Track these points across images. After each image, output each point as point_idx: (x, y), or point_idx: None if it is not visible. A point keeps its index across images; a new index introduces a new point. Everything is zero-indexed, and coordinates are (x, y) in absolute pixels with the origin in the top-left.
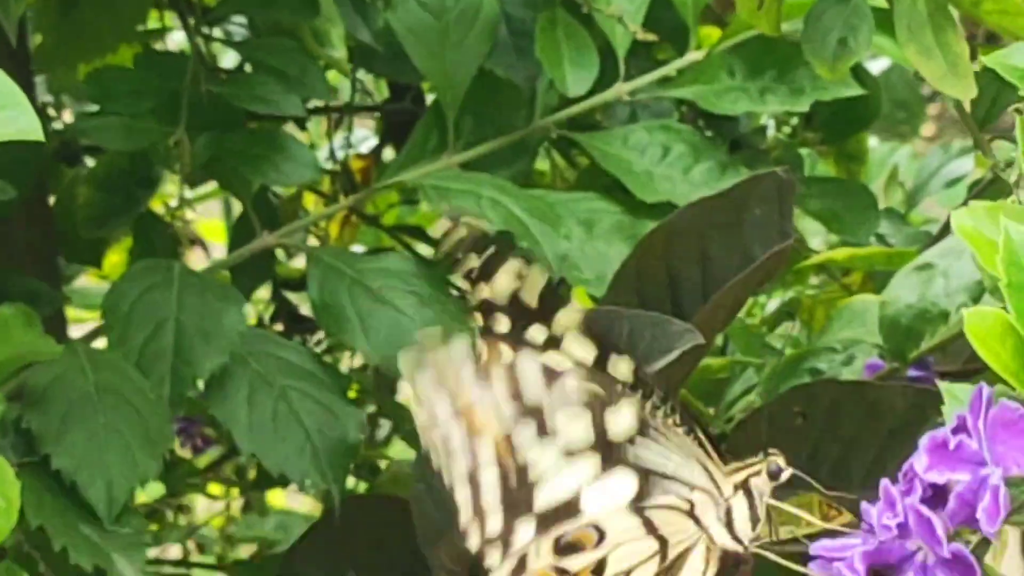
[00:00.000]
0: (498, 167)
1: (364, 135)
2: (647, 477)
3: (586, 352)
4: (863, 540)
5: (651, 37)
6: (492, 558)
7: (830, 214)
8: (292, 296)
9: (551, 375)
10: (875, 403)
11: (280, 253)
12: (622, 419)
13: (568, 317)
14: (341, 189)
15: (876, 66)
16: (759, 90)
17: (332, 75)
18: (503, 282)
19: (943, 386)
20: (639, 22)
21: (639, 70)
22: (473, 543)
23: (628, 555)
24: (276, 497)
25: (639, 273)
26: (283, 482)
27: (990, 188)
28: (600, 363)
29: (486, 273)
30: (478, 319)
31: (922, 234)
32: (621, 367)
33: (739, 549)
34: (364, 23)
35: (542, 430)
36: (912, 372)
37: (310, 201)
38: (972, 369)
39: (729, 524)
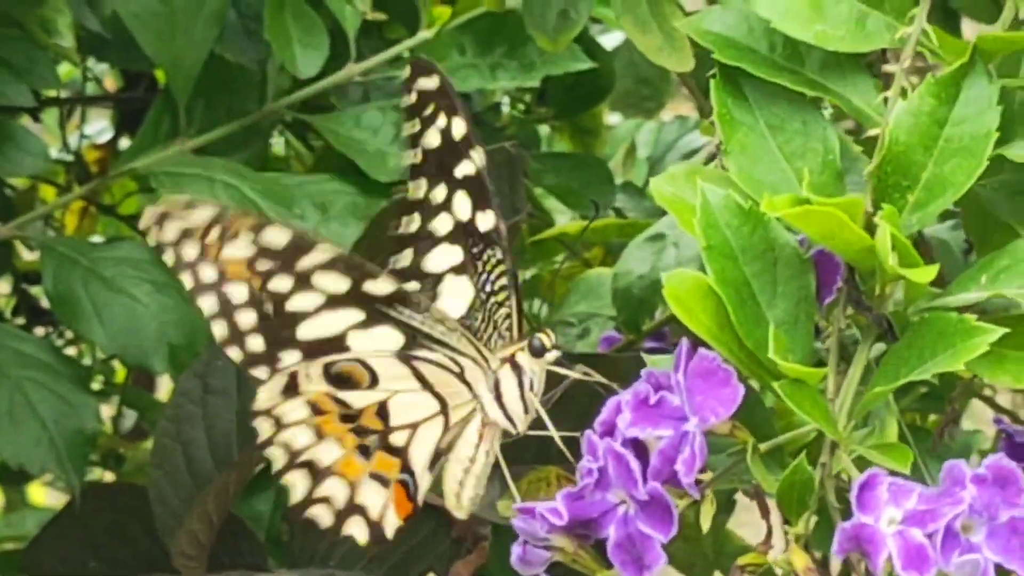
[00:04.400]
0: (232, 151)
1: (103, 127)
2: (414, 336)
3: (466, 209)
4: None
5: (381, 17)
6: (258, 371)
7: (566, 189)
8: (35, 289)
9: (303, 243)
10: (608, 376)
11: (22, 246)
12: (381, 286)
13: (468, 167)
14: (76, 179)
15: (611, 40)
16: (490, 67)
17: (67, 67)
18: (434, 135)
19: (648, 357)
20: (369, 2)
21: (370, 50)
22: (236, 357)
23: (410, 407)
24: (37, 494)
25: (371, 252)
26: (24, 475)
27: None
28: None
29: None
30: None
31: (660, 208)
32: (486, 219)
33: (511, 428)
34: (91, 11)
35: (300, 284)
36: (648, 344)
37: (50, 194)
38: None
39: (499, 398)
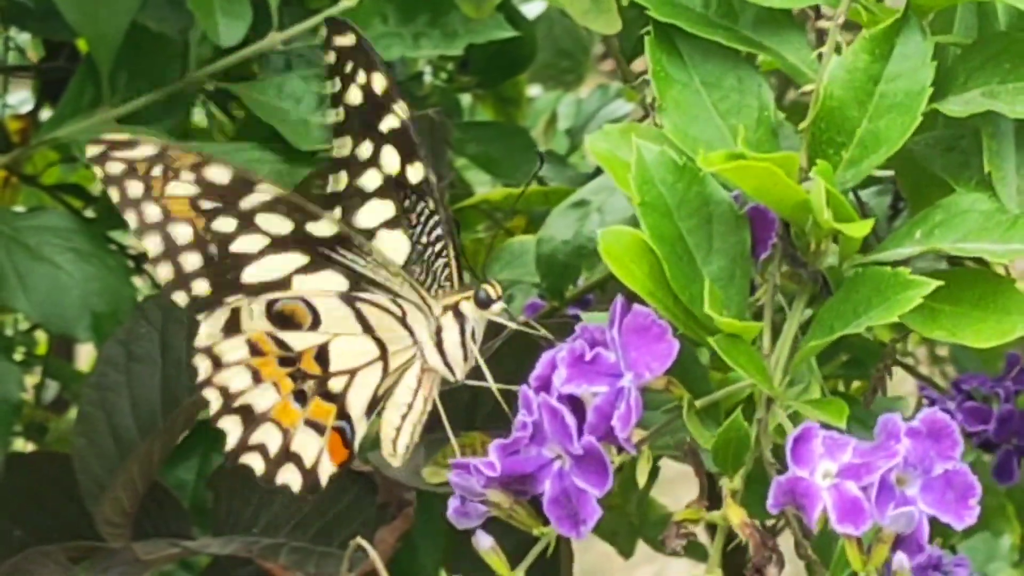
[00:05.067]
0: (155, 120)
1: (24, 97)
2: (357, 281)
3: (394, 163)
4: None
5: None
6: (203, 317)
7: (488, 158)
8: None
9: (245, 182)
10: (533, 343)
11: None
12: (323, 227)
13: (392, 121)
14: None
15: (532, 10)
16: (413, 35)
17: None
18: (356, 92)
19: (584, 314)
20: None
21: (293, 19)
22: (181, 301)
23: (350, 352)
24: None
25: None
26: None
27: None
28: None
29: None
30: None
31: (583, 176)
32: (416, 171)
33: (450, 376)
34: None
35: (244, 225)
36: (572, 311)
37: None
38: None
39: (440, 345)
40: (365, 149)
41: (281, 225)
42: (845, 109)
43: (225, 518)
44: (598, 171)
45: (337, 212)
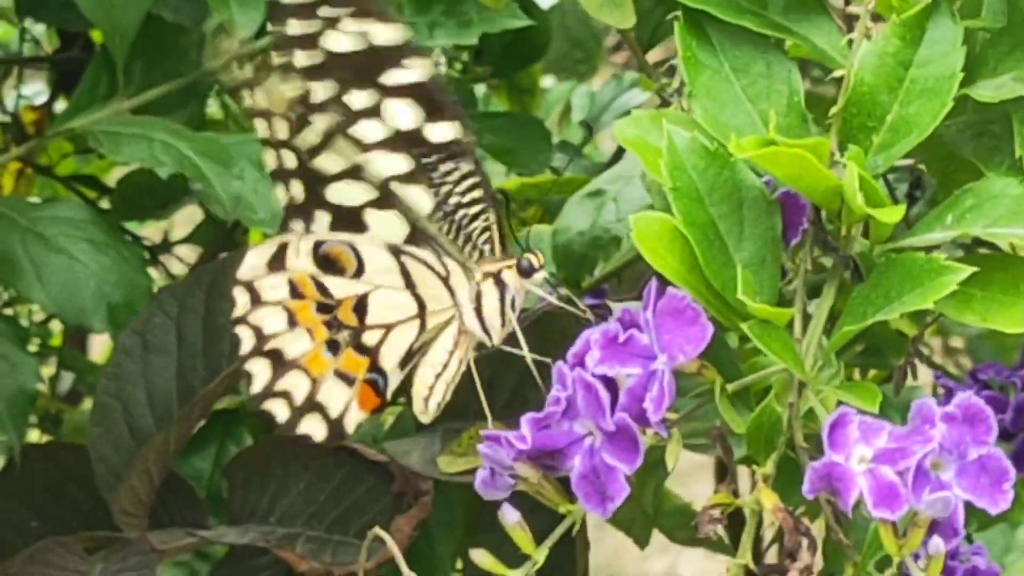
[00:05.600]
0: (170, 111)
1: (39, 88)
2: (414, 229)
3: (407, 118)
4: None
5: None
6: (296, 224)
7: (503, 148)
8: None
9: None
10: (549, 332)
11: None
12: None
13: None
14: (12, 140)
15: (545, 0)
16: (428, 25)
17: (3, 28)
18: (344, 37)
19: (615, 305)
20: None
21: None
22: (282, 198)
23: (388, 306)
24: None
25: None
26: None
27: None
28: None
29: (325, 28)
30: (292, 85)
31: (598, 166)
32: (442, 130)
33: (487, 340)
34: None
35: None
36: (588, 300)
37: None
38: None
39: (479, 310)
40: (359, 99)
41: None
42: (876, 94)
43: (241, 507)
44: (613, 161)
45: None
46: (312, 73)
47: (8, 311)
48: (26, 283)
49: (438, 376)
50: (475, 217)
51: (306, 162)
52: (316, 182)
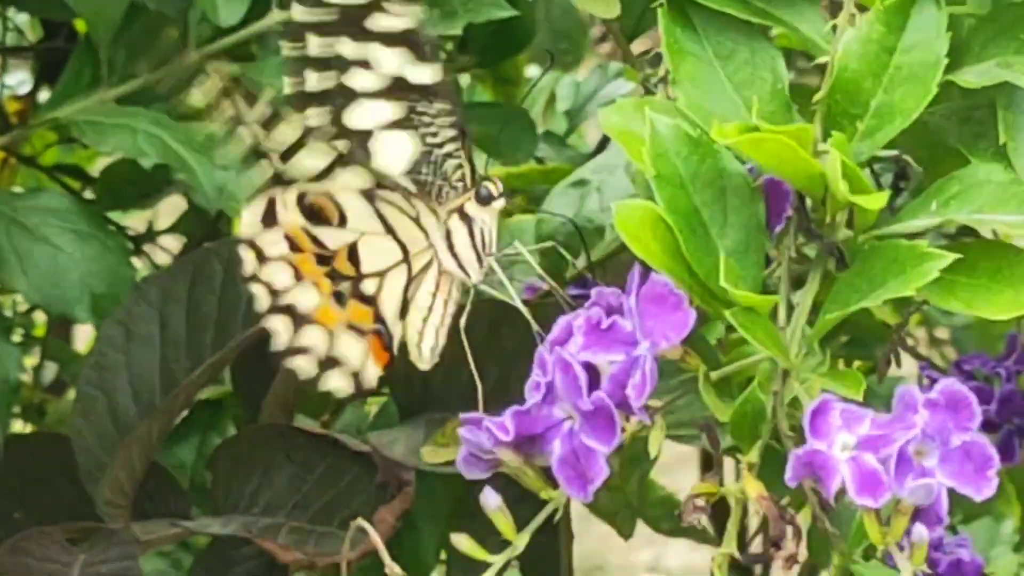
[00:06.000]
0: (154, 101)
1: (23, 78)
2: (377, 182)
3: (393, 63)
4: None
5: None
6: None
7: (487, 138)
8: None
9: None
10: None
11: None
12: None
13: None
14: None
15: None
16: None
17: None
18: None
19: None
20: None
21: None
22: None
23: (377, 252)
24: None
25: None
26: None
27: None
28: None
29: None
30: (286, 46)
31: (582, 156)
32: (424, 73)
33: (466, 278)
34: None
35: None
36: (572, 290)
37: None
38: None
39: (451, 248)
40: (347, 47)
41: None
42: (860, 81)
43: (224, 498)
44: (597, 151)
45: (323, 112)
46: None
47: None
48: (9, 273)
49: (425, 320)
50: (449, 155)
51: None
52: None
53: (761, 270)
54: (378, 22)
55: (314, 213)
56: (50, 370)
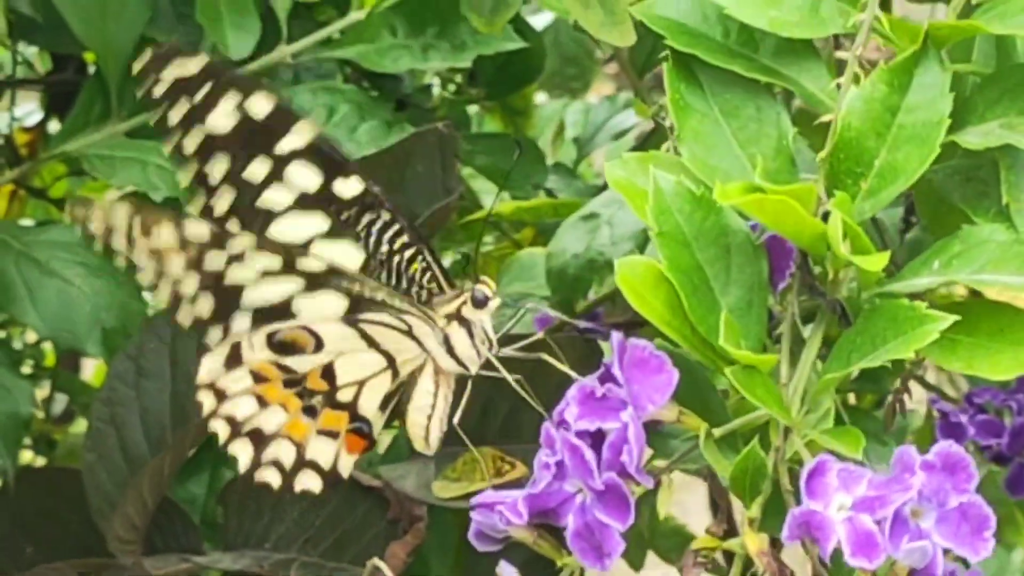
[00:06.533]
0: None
1: (31, 109)
2: (358, 301)
3: (311, 179)
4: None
5: None
6: (211, 336)
7: (496, 170)
8: None
9: (223, 236)
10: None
11: None
12: (312, 264)
13: (295, 140)
14: (6, 163)
15: (540, 21)
16: (422, 47)
17: None
18: (222, 118)
19: (605, 343)
20: None
21: (301, 32)
22: (185, 321)
23: (356, 366)
24: None
25: None
26: None
27: (653, 137)
28: (327, 186)
29: (201, 112)
30: (184, 179)
31: (592, 188)
32: (349, 186)
33: (466, 372)
34: None
35: (234, 260)
36: (582, 324)
37: None
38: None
39: (451, 351)
40: (256, 171)
41: (271, 261)
42: (863, 140)
43: (236, 533)
44: (607, 183)
45: (235, 226)
46: (203, 155)
47: (0, 334)
48: (20, 307)
49: (429, 417)
50: (411, 260)
51: (212, 282)
52: (228, 295)
53: (763, 327)
54: (288, 143)
55: (285, 346)
56: (60, 401)
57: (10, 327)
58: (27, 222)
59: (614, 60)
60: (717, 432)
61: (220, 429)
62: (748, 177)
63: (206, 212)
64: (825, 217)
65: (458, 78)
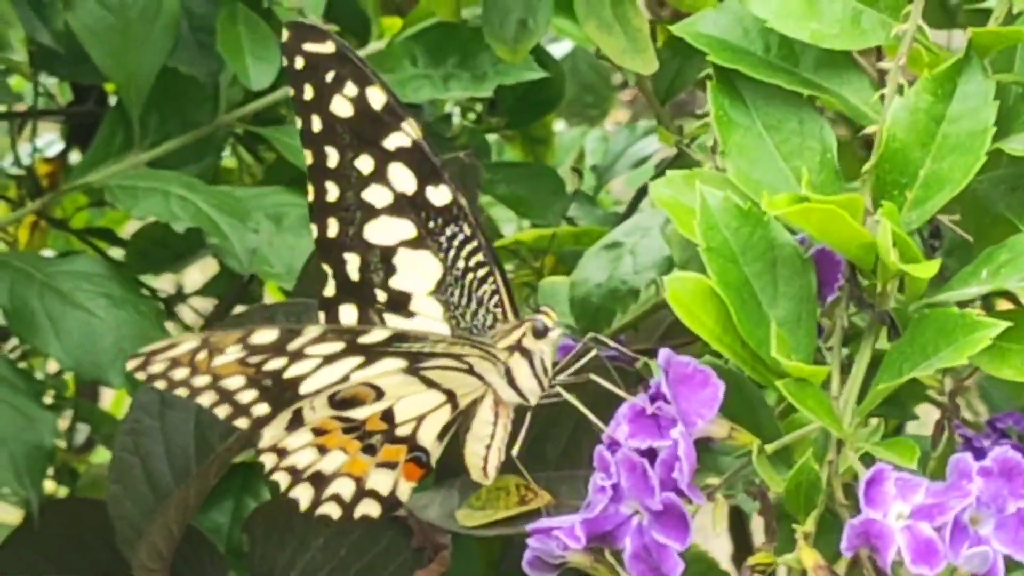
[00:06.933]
0: (185, 164)
1: (51, 139)
2: (415, 359)
3: (409, 181)
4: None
5: (333, 28)
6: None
7: (517, 198)
8: None
9: (291, 334)
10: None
11: None
12: (375, 336)
13: (402, 138)
14: (28, 194)
15: (559, 49)
16: (442, 77)
17: (15, 80)
18: (344, 102)
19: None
20: (320, 14)
21: None
22: (244, 426)
23: (416, 405)
24: None
25: None
26: None
27: (675, 164)
28: (421, 191)
29: (329, 93)
30: (308, 157)
31: (612, 215)
32: (440, 194)
33: (527, 403)
34: (43, 25)
35: (294, 359)
36: (605, 352)
37: None
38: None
39: (512, 383)
40: (365, 163)
41: (333, 347)
42: (908, 150)
43: (261, 562)
44: (629, 211)
45: (333, 224)
46: (326, 138)
47: (22, 364)
48: (43, 338)
49: (488, 447)
50: (483, 280)
51: (271, 385)
52: (286, 390)
53: (813, 340)
54: (394, 141)
55: (346, 402)
56: (81, 430)
57: (31, 357)
58: (49, 253)
59: (628, 87)
60: (770, 448)
61: (282, 480)
62: (793, 190)
63: (317, 199)
64: (871, 228)
65: (478, 107)
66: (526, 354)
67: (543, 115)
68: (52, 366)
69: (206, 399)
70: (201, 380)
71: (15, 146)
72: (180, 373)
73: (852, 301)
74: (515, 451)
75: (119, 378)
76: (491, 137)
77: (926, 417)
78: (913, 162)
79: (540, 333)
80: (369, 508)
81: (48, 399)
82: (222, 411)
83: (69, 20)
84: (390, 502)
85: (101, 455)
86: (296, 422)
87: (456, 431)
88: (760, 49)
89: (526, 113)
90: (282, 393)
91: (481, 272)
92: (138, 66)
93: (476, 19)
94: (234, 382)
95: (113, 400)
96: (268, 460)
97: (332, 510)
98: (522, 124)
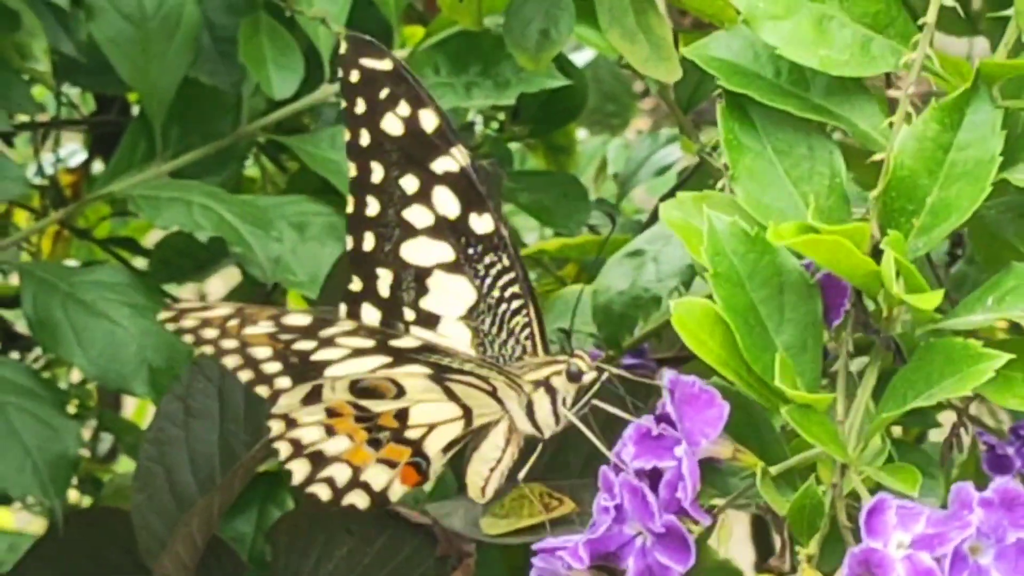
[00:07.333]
0: (208, 174)
1: (73, 149)
2: (442, 371)
3: (453, 206)
4: (588, 531)
5: None
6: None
7: (540, 207)
8: (8, 313)
9: (324, 321)
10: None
11: None
12: (407, 342)
13: (450, 163)
14: (51, 204)
15: (581, 58)
16: (464, 85)
17: (38, 90)
18: (396, 120)
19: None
20: (342, 23)
21: None
22: (264, 394)
23: (431, 412)
24: (5, 519)
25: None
26: (4, 500)
27: (698, 173)
28: (463, 218)
29: (381, 110)
30: (352, 169)
31: (634, 223)
32: (482, 222)
33: (539, 435)
34: (67, 36)
35: (324, 344)
36: (628, 360)
37: (21, 218)
38: (688, 355)
39: (531, 415)
40: (410, 183)
41: (363, 342)
42: (916, 178)
43: (284, 571)
44: (652, 220)
45: (369, 237)
46: (373, 153)
47: (46, 373)
48: (67, 348)
49: (492, 469)
50: (516, 312)
51: (298, 362)
52: (311, 371)
53: (818, 365)
54: (442, 165)
55: (367, 392)
56: (105, 440)
57: (55, 367)
58: (72, 263)
59: (649, 95)
60: (774, 470)
61: (283, 449)
62: (802, 215)
63: (357, 212)
64: (878, 255)
65: (501, 115)
66: (551, 391)
67: (565, 123)
68: (76, 375)
69: (231, 361)
70: (229, 343)
71: (38, 156)
72: (210, 332)
73: (858, 326)
74: (521, 476)
75: (143, 387)
76: (513, 146)
77: (949, 424)
78: (921, 189)
79: (574, 377)
80: (357, 499)
81: (72, 409)
82: (245, 375)
83: (92, 31)
84: (379, 499)
85: (124, 464)
86: (313, 397)
87: (463, 448)
88: (771, 73)
89: (548, 121)
90: (306, 372)
91: (516, 304)
92: (159, 76)
93: (498, 28)
94: (261, 352)
95: (135, 409)
96: (276, 426)
97: (322, 491)
98: (544, 132)
